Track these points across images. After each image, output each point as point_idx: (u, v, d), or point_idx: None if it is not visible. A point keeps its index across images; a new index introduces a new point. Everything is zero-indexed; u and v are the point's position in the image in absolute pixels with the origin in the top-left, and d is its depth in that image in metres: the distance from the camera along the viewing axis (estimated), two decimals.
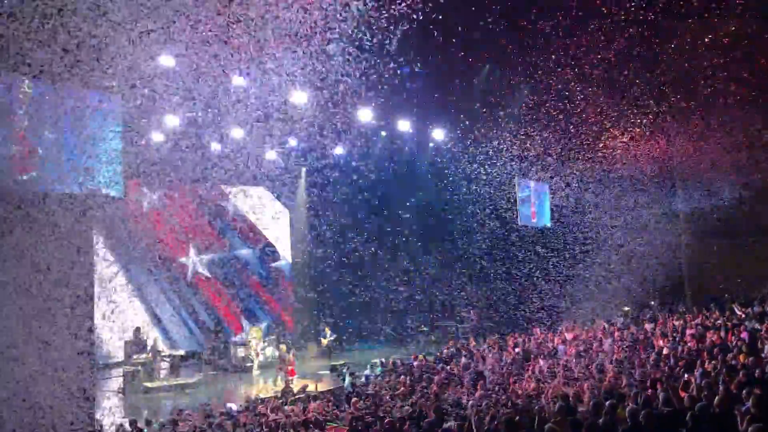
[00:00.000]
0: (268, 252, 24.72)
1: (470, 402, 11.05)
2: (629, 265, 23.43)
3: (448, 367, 15.61)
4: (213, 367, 20.78)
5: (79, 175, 12.13)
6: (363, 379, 16.36)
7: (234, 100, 15.75)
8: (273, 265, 24.78)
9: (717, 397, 8.15)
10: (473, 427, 8.92)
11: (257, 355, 20.76)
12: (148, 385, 18.45)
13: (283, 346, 19.77)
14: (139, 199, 21.67)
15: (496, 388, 12.11)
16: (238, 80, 14.89)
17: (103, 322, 18.42)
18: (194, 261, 22.91)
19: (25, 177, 11.62)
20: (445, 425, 9.16)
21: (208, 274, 23.10)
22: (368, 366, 17.90)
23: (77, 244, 12.20)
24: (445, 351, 18.89)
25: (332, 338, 22.16)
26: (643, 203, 24.40)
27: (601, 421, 8.02)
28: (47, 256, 11.54)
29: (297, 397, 14.80)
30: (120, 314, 19.63)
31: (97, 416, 13.84)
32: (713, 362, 11.90)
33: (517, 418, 8.58)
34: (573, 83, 19.49)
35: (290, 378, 18.19)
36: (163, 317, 22.12)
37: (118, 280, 20.80)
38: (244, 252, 24.18)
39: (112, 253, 20.91)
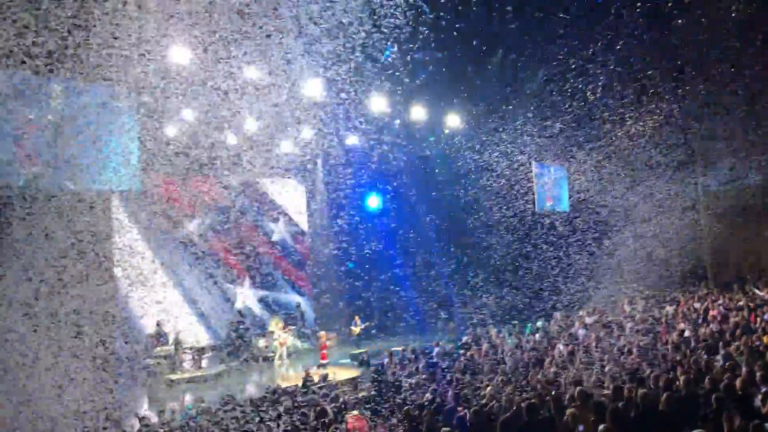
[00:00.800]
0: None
1: (489, 388, 11.04)
2: (649, 248, 23.20)
3: (468, 354, 15.58)
4: (235, 359, 20.91)
5: (95, 171, 12.20)
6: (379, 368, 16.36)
7: (248, 92, 15.75)
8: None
9: (739, 379, 8.06)
10: (492, 413, 8.91)
11: (281, 344, 20.90)
12: (171, 377, 18.61)
13: (322, 333, 20.32)
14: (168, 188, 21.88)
15: (516, 374, 12.08)
16: (251, 72, 14.87)
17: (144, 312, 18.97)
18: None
19: (34, 172, 11.69)
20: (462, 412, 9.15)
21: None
22: (387, 354, 17.94)
23: (96, 240, 12.29)
24: (464, 338, 18.86)
25: (363, 327, 22.16)
26: (664, 185, 24.13)
27: (621, 404, 7.97)
28: (64, 254, 11.63)
29: (318, 386, 14.85)
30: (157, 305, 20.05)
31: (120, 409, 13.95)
32: (736, 344, 11.78)
33: (537, 403, 8.56)
34: (591, 65, 19.33)
35: (322, 362, 18.84)
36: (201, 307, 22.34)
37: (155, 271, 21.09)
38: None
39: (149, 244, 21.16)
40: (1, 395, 11.12)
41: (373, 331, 23.17)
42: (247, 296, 23.27)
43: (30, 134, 11.76)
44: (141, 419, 12.58)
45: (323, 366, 18.80)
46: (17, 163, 11.72)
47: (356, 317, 22.48)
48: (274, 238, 24.18)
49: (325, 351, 19.66)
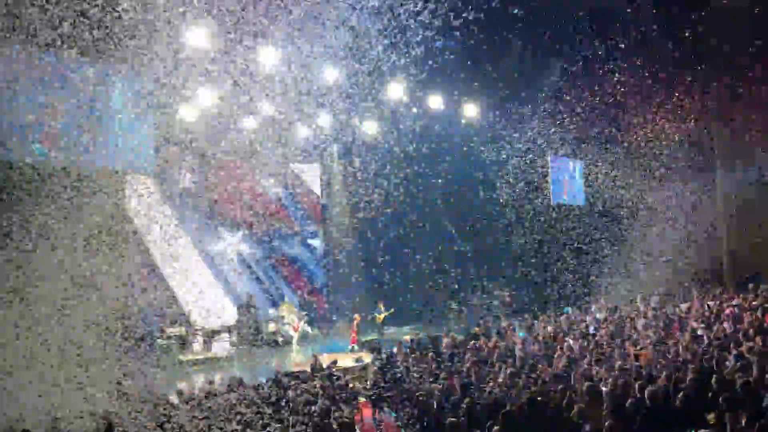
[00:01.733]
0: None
1: (499, 380, 11.02)
2: (665, 245, 23.02)
3: (478, 345, 15.54)
4: (245, 342, 20.96)
5: (110, 151, 12.29)
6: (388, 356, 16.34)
7: (265, 77, 15.73)
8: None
9: (750, 380, 7.98)
10: (498, 405, 8.88)
11: (295, 329, 20.98)
12: (182, 358, 18.75)
13: (357, 315, 20.53)
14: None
15: (525, 367, 12.03)
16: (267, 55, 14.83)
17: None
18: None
19: (48, 150, 11.79)
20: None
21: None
22: (397, 343, 17.93)
23: (110, 220, 12.40)
24: (475, 329, 18.79)
25: (388, 313, 22.15)
26: (681, 181, 23.92)
27: (630, 401, 7.92)
28: (78, 231, 11.74)
29: (326, 371, 14.86)
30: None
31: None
32: (749, 344, 11.66)
33: (543, 397, 8.54)
34: (609, 61, 19.18)
35: (352, 345, 19.15)
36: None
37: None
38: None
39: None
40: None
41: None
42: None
43: (52, 115, 11.87)
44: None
45: (354, 350, 19.01)
46: (36, 142, 11.85)
47: (380, 303, 22.23)
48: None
49: (355, 335, 19.75)
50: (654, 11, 18.38)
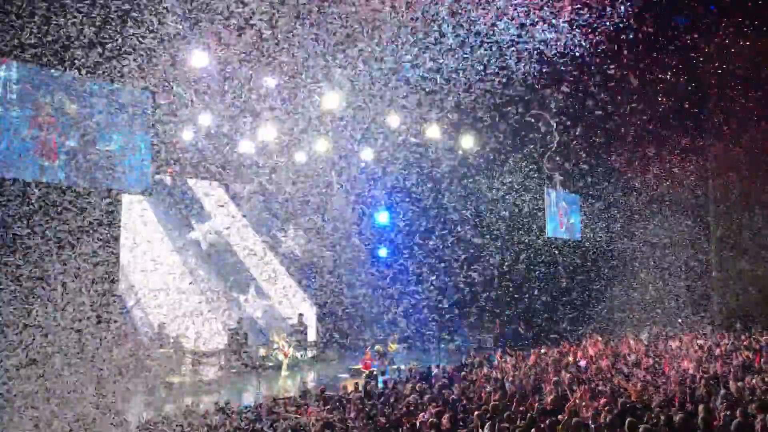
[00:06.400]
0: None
1: (487, 412, 10.95)
2: (657, 283, 23.12)
3: (468, 377, 15.49)
4: (234, 366, 20.85)
5: (107, 170, 12.32)
6: (380, 384, 16.29)
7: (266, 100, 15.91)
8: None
9: (735, 421, 7.98)
10: None
11: (285, 355, 20.87)
12: (170, 380, 18.60)
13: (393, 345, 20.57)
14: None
15: (515, 400, 11.97)
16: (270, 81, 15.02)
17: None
18: None
19: (47, 164, 11.81)
20: None
21: None
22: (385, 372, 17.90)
23: (102, 239, 12.39)
24: (466, 360, 18.75)
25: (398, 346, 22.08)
26: (675, 221, 24.10)
27: None
28: (71, 249, 11.72)
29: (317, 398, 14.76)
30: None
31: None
32: (738, 383, 11.66)
33: (533, 430, 8.51)
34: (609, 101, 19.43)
35: (364, 371, 18.53)
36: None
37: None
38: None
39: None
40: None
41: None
42: (252, 305, 23.44)
43: (52, 129, 11.92)
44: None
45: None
46: (36, 156, 11.88)
47: (393, 335, 22.32)
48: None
49: (368, 360, 19.47)
50: (652, 55, 18.70)
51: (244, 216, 23.55)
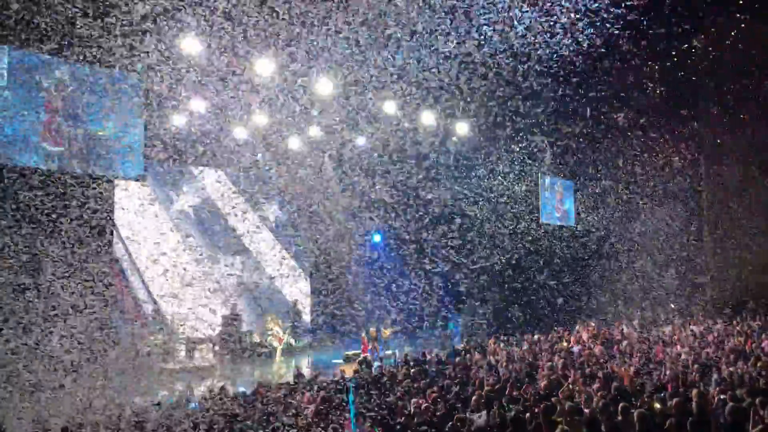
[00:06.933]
0: None
1: (481, 398, 10.96)
2: (651, 269, 23.19)
3: (460, 363, 15.51)
4: (228, 352, 20.84)
5: (100, 157, 12.26)
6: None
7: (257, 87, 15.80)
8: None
9: (729, 406, 7.99)
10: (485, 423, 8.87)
11: (279, 341, 20.89)
12: (164, 366, 18.57)
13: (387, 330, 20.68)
14: None
15: (508, 385, 12.00)
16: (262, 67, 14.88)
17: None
18: None
19: (50, 147, 11.74)
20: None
21: None
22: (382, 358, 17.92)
23: (97, 224, 12.35)
24: (459, 346, 18.80)
25: (393, 330, 22.12)
26: (668, 207, 24.14)
27: (610, 423, 7.91)
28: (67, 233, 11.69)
29: (309, 384, 14.77)
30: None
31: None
32: (731, 369, 11.71)
33: (528, 415, 8.51)
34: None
35: (363, 356, 18.59)
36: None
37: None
38: None
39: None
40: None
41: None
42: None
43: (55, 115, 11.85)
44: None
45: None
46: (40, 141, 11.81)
47: (386, 320, 22.42)
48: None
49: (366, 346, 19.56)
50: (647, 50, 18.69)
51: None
